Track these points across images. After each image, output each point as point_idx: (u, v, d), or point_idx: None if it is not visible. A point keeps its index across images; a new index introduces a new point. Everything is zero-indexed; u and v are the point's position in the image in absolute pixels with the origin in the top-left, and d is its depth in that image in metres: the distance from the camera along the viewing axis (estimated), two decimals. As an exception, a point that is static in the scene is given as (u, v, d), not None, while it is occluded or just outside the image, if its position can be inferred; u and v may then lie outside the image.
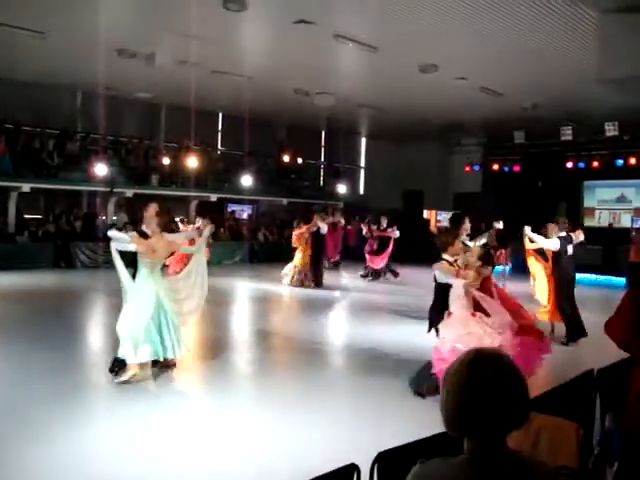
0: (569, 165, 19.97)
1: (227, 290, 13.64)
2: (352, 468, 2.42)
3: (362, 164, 26.29)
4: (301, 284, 13.29)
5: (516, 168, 21.08)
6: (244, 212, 22.07)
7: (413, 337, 7.84)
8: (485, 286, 5.83)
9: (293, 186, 22.02)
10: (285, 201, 21.30)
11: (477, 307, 5.60)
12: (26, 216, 16.60)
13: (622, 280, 15.00)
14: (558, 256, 8.37)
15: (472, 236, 6.85)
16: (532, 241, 8.62)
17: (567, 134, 18.31)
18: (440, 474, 1.55)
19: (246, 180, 19.73)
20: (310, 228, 13.65)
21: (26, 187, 15.76)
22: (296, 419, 5.07)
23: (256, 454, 4.34)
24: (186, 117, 17.02)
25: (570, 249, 8.37)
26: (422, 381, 5.68)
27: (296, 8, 10.06)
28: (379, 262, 15.13)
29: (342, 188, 22.94)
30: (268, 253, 19.21)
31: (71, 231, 16.46)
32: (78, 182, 16.93)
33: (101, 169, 16.41)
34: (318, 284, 13.51)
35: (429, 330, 6.14)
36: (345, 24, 10.88)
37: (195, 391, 6.16)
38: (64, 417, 4.90)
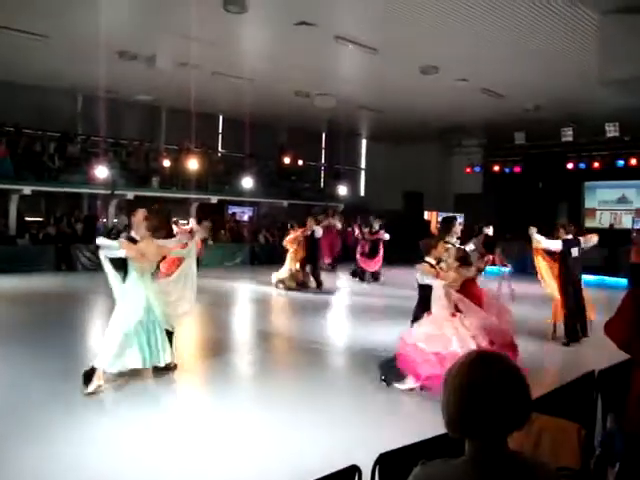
0: (570, 166, 19.97)
1: (228, 292, 13.65)
2: (353, 469, 2.41)
3: (363, 166, 26.30)
4: (292, 288, 13.21)
5: (517, 169, 21.08)
6: (245, 214, 22.05)
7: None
8: (469, 290, 6.03)
9: (294, 188, 22.02)
10: (285, 203, 21.30)
11: (458, 308, 5.78)
12: (27, 219, 16.62)
13: (623, 281, 14.99)
14: (563, 257, 8.48)
15: (463, 239, 6.96)
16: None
17: (568, 135, 18.31)
18: (441, 475, 1.55)
19: (247, 182, 19.73)
20: (305, 232, 13.62)
21: (27, 190, 15.79)
22: (297, 420, 5.07)
23: (257, 455, 4.34)
24: (187, 119, 17.05)
25: (575, 251, 8.45)
26: (387, 371, 5.99)
27: (296, 10, 10.07)
28: (374, 265, 15.21)
29: (342, 190, 22.95)
30: (269, 255, 19.18)
31: (72, 234, 16.47)
32: (79, 185, 16.95)
33: (102, 172, 16.42)
34: (319, 285, 13.51)
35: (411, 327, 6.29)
36: (346, 26, 10.89)
37: (196, 392, 6.15)
38: (64, 418, 4.90)
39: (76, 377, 6.04)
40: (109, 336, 5.78)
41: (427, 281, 5.93)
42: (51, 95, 16.74)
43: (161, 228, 6.51)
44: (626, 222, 19.86)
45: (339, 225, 16.33)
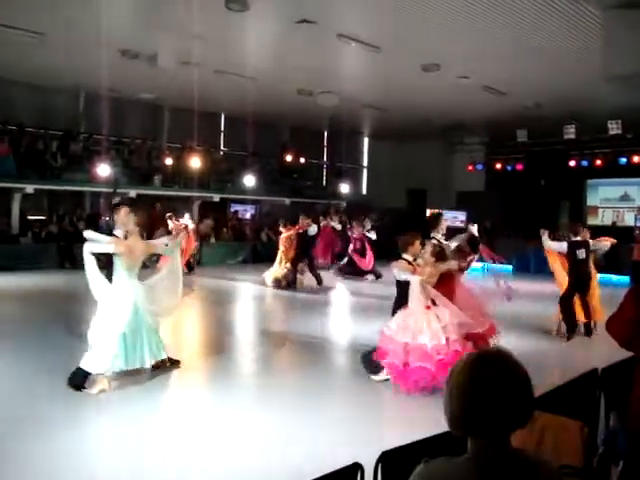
0: (572, 163, 19.92)
1: (230, 290, 13.67)
2: (356, 467, 2.42)
3: (365, 163, 26.28)
4: (285, 285, 13.20)
5: (519, 167, 21.03)
6: (247, 212, 22.04)
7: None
8: (447, 285, 6.22)
9: (296, 186, 22.01)
10: (288, 201, 21.27)
11: (434, 302, 5.93)
12: (30, 217, 16.63)
13: (626, 278, 14.96)
14: (570, 259, 8.57)
15: (448, 237, 7.04)
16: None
17: (570, 132, 18.25)
18: (444, 473, 1.55)
19: (249, 180, 19.72)
20: (298, 230, 13.59)
21: (30, 188, 15.80)
22: (300, 418, 5.07)
23: (259, 453, 4.34)
24: (189, 118, 17.02)
25: (582, 254, 8.51)
26: (365, 363, 6.28)
27: (299, 8, 10.05)
28: (366, 263, 15.30)
29: (345, 188, 22.93)
30: (271, 253, 19.14)
31: (74, 232, 16.47)
32: (81, 183, 16.96)
33: (104, 170, 16.42)
34: (319, 282, 13.53)
35: None
36: (348, 24, 10.87)
37: (198, 390, 6.14)
38: (65, 416, 4.91)
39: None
40: (100, 338, 5.64)
41: (404, 277, 6.05)
42: (54, 94, 16.76)
43: (145, 223, 6.42)
44: (628, 220, 19.79)
45: (338, 227, 16.31)
